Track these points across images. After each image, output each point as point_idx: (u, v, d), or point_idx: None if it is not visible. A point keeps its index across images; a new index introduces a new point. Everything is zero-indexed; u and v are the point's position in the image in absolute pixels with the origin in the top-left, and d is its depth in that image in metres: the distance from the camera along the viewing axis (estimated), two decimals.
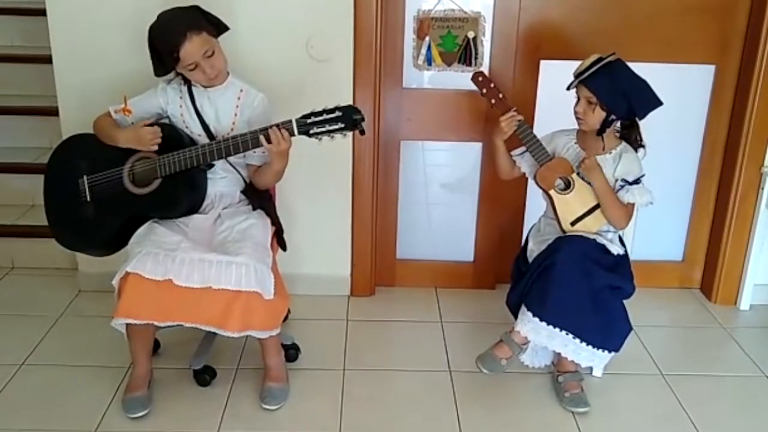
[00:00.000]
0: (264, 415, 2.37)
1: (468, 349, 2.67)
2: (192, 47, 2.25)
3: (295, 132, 2.23)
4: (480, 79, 2.47)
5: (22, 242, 3.30)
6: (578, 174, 2.43)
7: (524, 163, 2.56)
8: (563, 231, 2.45)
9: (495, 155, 2.58)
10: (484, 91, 2.46)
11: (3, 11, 4.21)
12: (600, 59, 2.34)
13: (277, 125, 2.23)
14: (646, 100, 2.36)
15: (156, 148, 2.33)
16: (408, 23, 2.88)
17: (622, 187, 2.41)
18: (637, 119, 2.42)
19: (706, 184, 3.14)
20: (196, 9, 2.34)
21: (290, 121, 2.23)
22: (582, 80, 2.35)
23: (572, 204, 2.44)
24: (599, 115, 2.36)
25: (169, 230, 2.32)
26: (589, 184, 2.41)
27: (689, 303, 3.19)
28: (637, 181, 2.42)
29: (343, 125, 2.20)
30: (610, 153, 2.44)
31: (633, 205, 2.42)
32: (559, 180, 2.44)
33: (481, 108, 2.92)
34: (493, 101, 2.46)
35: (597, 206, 2.43)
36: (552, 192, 2.45)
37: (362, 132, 2.24)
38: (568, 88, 2.42)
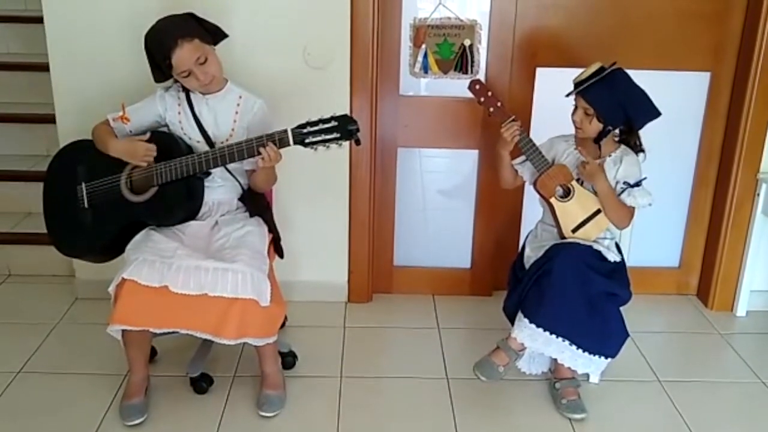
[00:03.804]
0: (261, 423, 2.36)
1: (465, 355, 2.67)
2: (183, 54, 2.24)
3: (291, 142, 2.22)
4: (477, 87, 2.46)
5: (19, 250, 3.30)
6: (578, 180, 2.44)
7: (526, 172, 2.55)
8: (564, 238, 2.46)
9: (499, 165, 2.56)
10: (482, 99, 2.45)
11: (0, 19, 4.21)
12: (601, 69, 2.34)
13: (273, 135, 2.23)
14: (644, 111, 2.37)
15: (146, 163, 2.33)
16: (404, 31, 2.89)
17: (624, 190, 2.42)
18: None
19: (702, 190, 3.15)
20: (190, 16, 2.34)
21: (286, 131, 2.22)
22: (580, 91, 2.36)
23: (573, 211, 2.44)
24: (596, 125, 2.37)
25: (165, 237, 2.32)
26: (591, 189, 2.42)
27: (686, 309, 3.19)
28: (638, 184, 2.42)
29: (338, 135, 2.19)
30: (610, 156, 2.44)
31: (634, 207, 2.43)
32: (559, 187, 2.44)
33: (478, 115, 2.93)
34: (491, 110, 2.45)
35: (597, 212, 2.44)
36: (552, 200, 2.44)
37: (357, 142, 2.23)
38: (567, 96, 2.42)
